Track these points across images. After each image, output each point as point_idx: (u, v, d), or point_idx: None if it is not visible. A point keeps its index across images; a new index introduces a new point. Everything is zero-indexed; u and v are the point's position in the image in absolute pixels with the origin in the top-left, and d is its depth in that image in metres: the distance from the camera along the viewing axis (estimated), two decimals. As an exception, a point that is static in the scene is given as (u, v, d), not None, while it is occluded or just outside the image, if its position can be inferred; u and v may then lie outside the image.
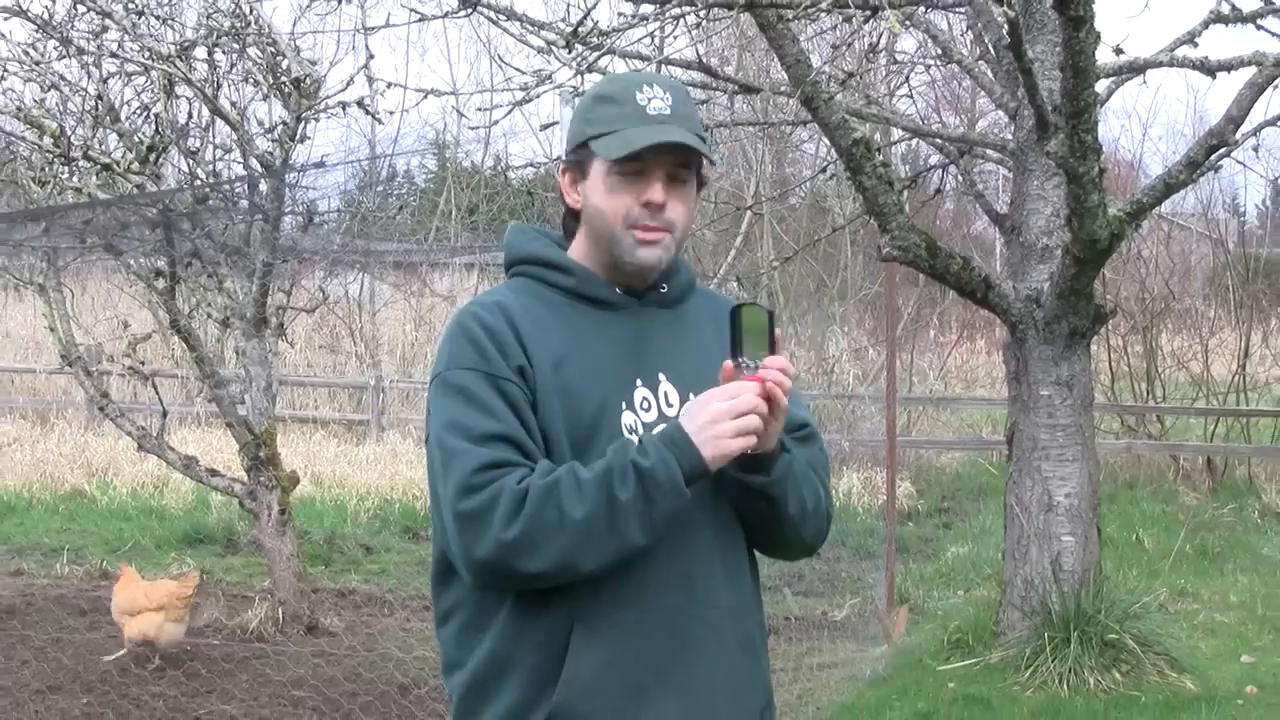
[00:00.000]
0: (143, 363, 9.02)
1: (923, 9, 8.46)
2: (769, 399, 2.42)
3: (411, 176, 29.76)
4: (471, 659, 2.53)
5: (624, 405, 2.52)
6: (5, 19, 8.13)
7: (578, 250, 2.63)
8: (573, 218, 2.65)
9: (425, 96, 7.27)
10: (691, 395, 2.53)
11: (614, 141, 2.51)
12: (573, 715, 2.45)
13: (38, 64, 8.24)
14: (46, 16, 8.10)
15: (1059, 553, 7.77)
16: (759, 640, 2.66)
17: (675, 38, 9.32)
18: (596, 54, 6.64)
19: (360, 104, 8.30)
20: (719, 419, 2.40)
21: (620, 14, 7.02)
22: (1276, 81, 7.48)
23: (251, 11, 8.08)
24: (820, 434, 2.76)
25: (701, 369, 2.56)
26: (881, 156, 7.24)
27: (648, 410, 2.54)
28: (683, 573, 2.51)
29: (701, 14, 7.07)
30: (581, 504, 2.37)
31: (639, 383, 2.55)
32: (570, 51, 6.57)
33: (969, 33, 9.78)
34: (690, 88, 6.78)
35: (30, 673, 7.67)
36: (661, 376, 2.57)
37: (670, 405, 2.56)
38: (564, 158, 2.66)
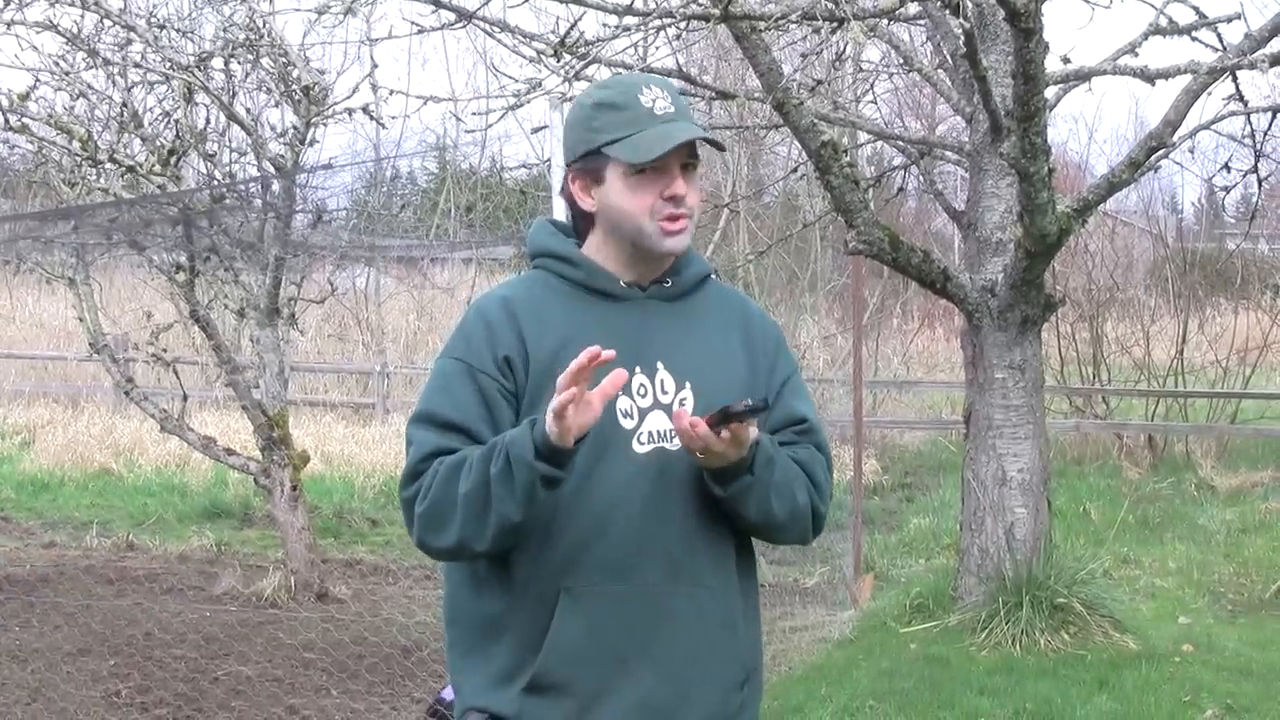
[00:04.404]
0: (165, 350, 9.00)
1: (886, 21, 8.43)
2: (683, 431, 2.40)
3: (413, 177, 29.60)
4: (467, 617, 2.53)
5: (620, 391, 2.45)
6: (38, 32, 8.10)
7: (591, 247, 2.59)
8: (582, 218, 2.60)
9: (425, 103, 7.23)
10: (689, 384, 2.52)
11: (632, 145, 2.47)
12: (554, 681, 2.43)
13: (67, 74, 8.23)
14: (76, 30, 8.08)
15: (1012, 524, 7.78)
16: (742, 619, 2.60)
17: (657, 48, 9.28)
18: (583, 63, 6.62)
19: (365, 110, 8.29)
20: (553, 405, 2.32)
21: (605, 25, 6.98)
22: (1210, 88, 7.49)
23: (264, 25, 8.06)
24: (821, 429, 2.69)
25: (700, 360, 2.55)
26: (848, 158, 7.22)
27: (644, 396, 2.50)
28: (664, 550, 2.47)
29: (681, 26, 7.05)
30: (466, 480, 2.36)
31: (637, 369, 2.50)
32: (559, 60, 6.54)
33: (928, 44, 9.76)
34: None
35: (62, 636, 7.66)
36: (659, 365, 2.52)
37: (665, 393, 2.52)
38: (571, 165, 2.59)
